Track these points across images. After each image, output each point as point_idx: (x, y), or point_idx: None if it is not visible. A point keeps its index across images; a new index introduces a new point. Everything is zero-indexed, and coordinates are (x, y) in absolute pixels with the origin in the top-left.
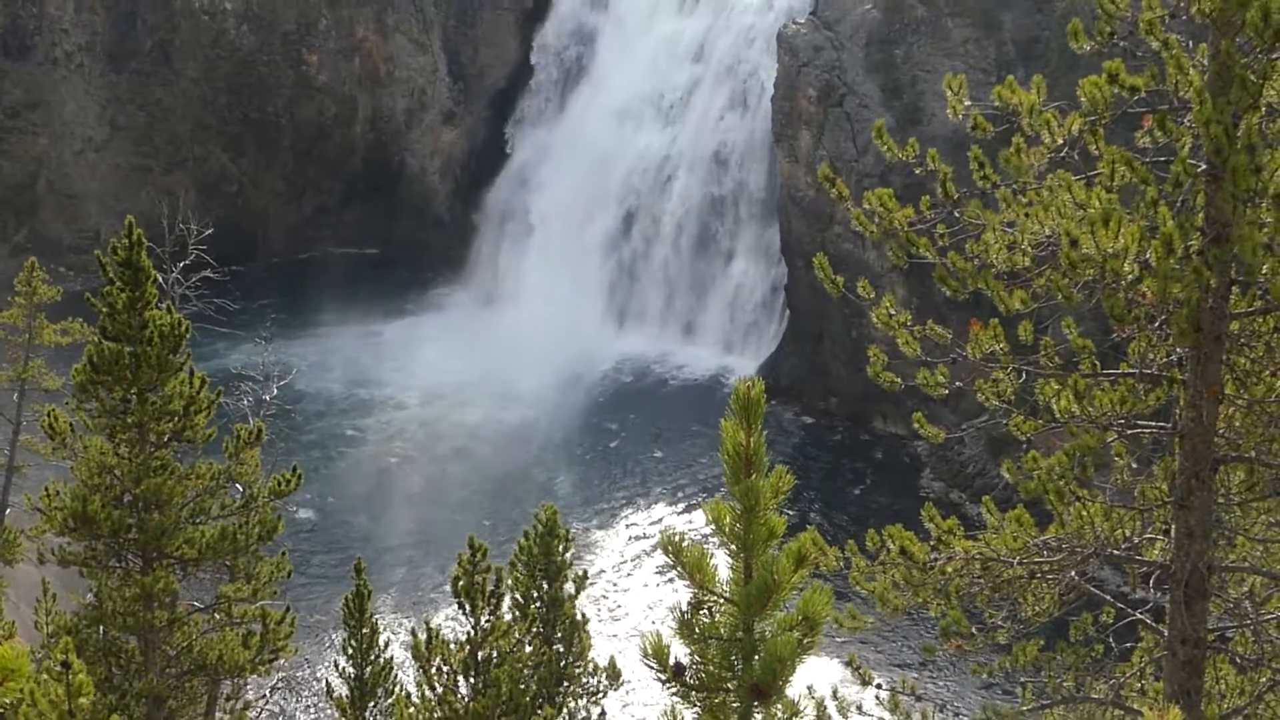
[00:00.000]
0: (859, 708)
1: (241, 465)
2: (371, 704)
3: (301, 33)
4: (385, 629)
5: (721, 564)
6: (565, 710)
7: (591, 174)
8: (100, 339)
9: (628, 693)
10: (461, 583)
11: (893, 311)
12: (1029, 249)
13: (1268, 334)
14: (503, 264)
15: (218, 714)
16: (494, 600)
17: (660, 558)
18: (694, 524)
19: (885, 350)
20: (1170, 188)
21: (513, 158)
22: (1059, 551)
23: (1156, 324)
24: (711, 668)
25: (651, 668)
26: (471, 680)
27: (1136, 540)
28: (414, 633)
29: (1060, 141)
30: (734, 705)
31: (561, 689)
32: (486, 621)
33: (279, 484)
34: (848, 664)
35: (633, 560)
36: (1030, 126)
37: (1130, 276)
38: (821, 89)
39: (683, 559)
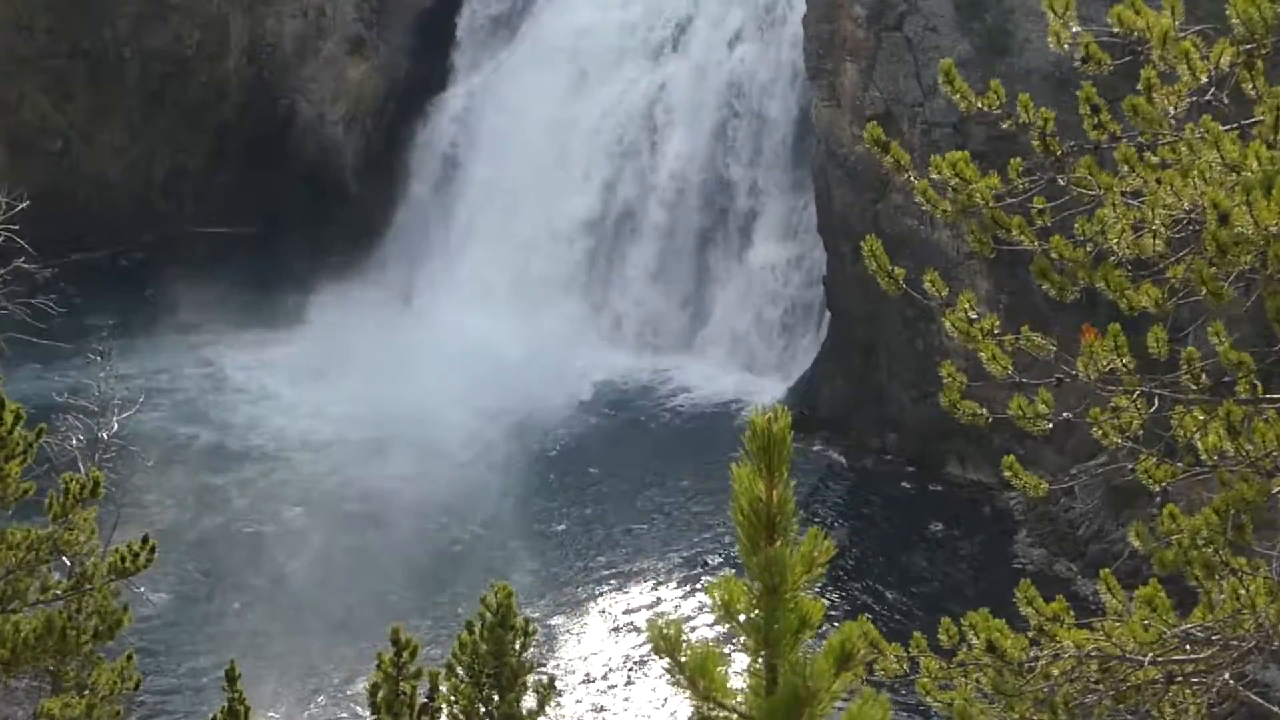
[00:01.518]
0: None
1: (71, 531)
2: None
3: None
4: None
5: (735, 665)
6: None
7: (556, 129)
8: None
9: None
10: (382, 693)
11: (973, 315)
12: (1161, 228)
13: None
14: (432, 251)
15: None
16: (426, 717)
17: (651, 657)
18: (698, 610)
19: (963, 368)
20: None
21: (446, 104)
22: (1208, 646)
23: None
24: None
25: None
26: None
27: None
28: None
29: (1204, 79)
30: None
31: None
32: None
33: (123, 558)
34: None
35: (615, 661)
36: (1163, 59)
37: None
38: (873, 6)
39: (680, 659)
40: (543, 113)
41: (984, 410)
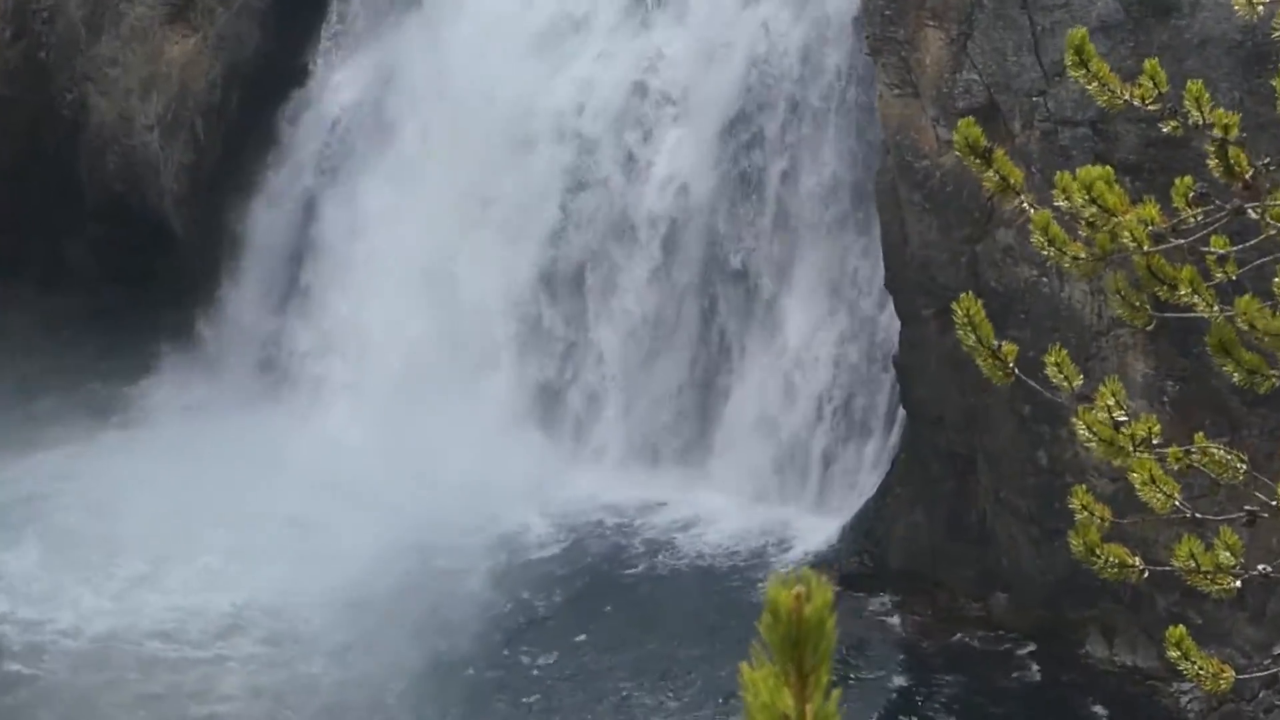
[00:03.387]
0: None
1: None
2: None
3: None
4: None
5: None
6: None
7: (489, 135)
8: None
9: None
10: None
11: (1121, 415)
12: None
13: None
14: (298, 320)
15: None
16: None
17: None
18: None
19: (1109, 494)
20: None
21: (321, 97)
22: None
23: None
24: None
25: None
26: None
27: None
28: None
29: None
30: None
31: None
32: None
33: None
34: None
35: None
36: None
37: None
38: None
39: None
40: (469, 111)
41: (1137, 560)
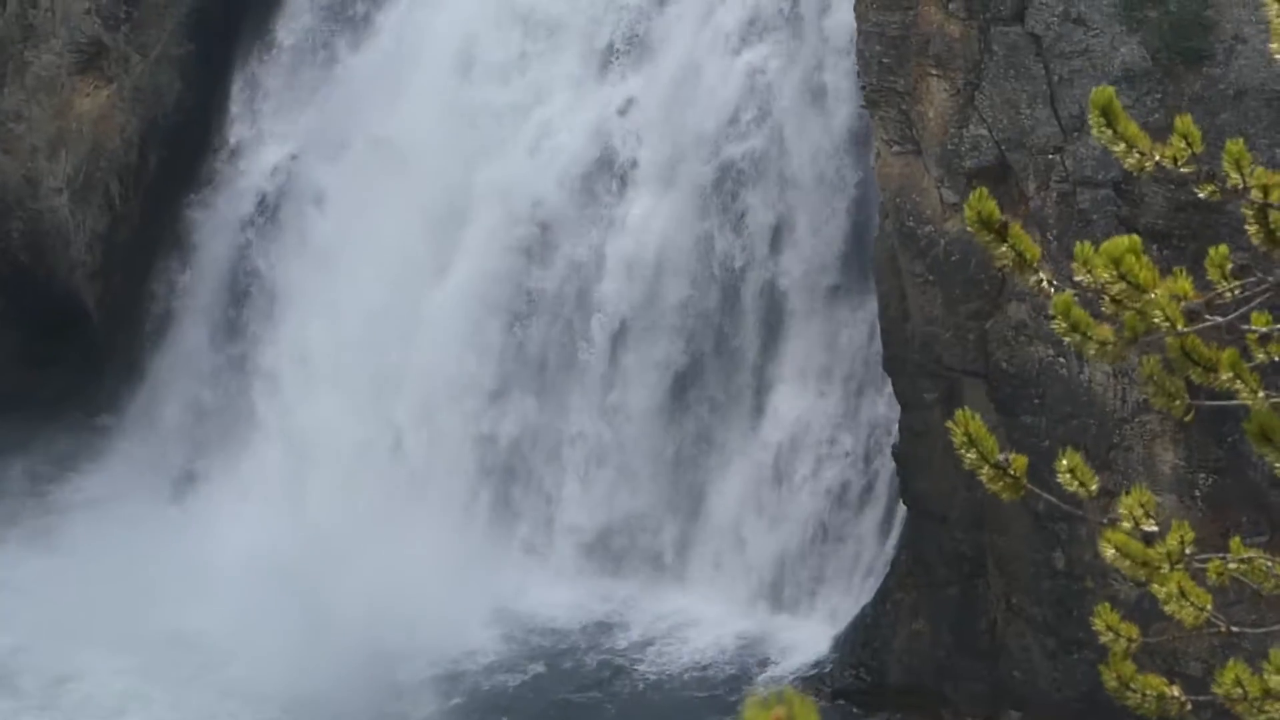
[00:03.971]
0: None
1: None
2: None
3: None
4: None
5: None
6: None
7: (434, 201)
8: None
9: None
10: None
11: (1150, 526)
12: None
13: None
14: (223, 410)
15: None
16: None
17: None
18: None
19: (1129, 601)
20: None
21: (251, 156)
22: None
23: None
24: None
25: None
26: None
27: None
28: None
29: None
30: None
31: None
32: None
33: None
34: None
35: None
36: None
37: None
38: None
39: None
40: (412, 174)
41: (1176, 690)
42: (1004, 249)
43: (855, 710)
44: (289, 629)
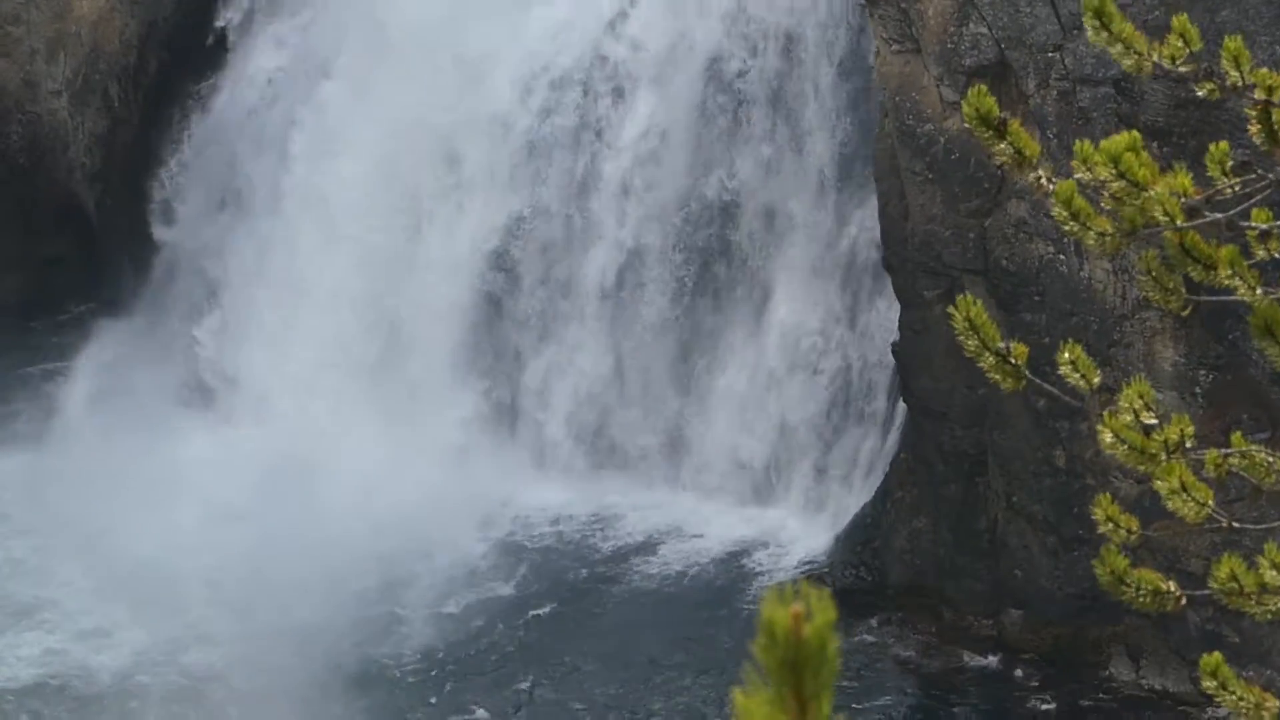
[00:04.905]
0: None
1: None
2: None
3: None
4: None
5: None
6: None
7: (430, 101)
8: None
9: None
10: None
11: (1150, 419)
12: None
13: None
14: (226, 311)
15: None
16: None
17: None
18: None
19: (1130, 498)
20: None
21: (248, 58)
22: None
23: None
24: None
25: None
26: None
27: None
28: None
29: None
30: None
31: None
32: None
33: None
34: None
35: None
36: None
37: None
38: None
39: None
40: (408, 75)
41: (1172, 585)
42: (1002, 146)
43: (853, 615)
44: (279, 547)
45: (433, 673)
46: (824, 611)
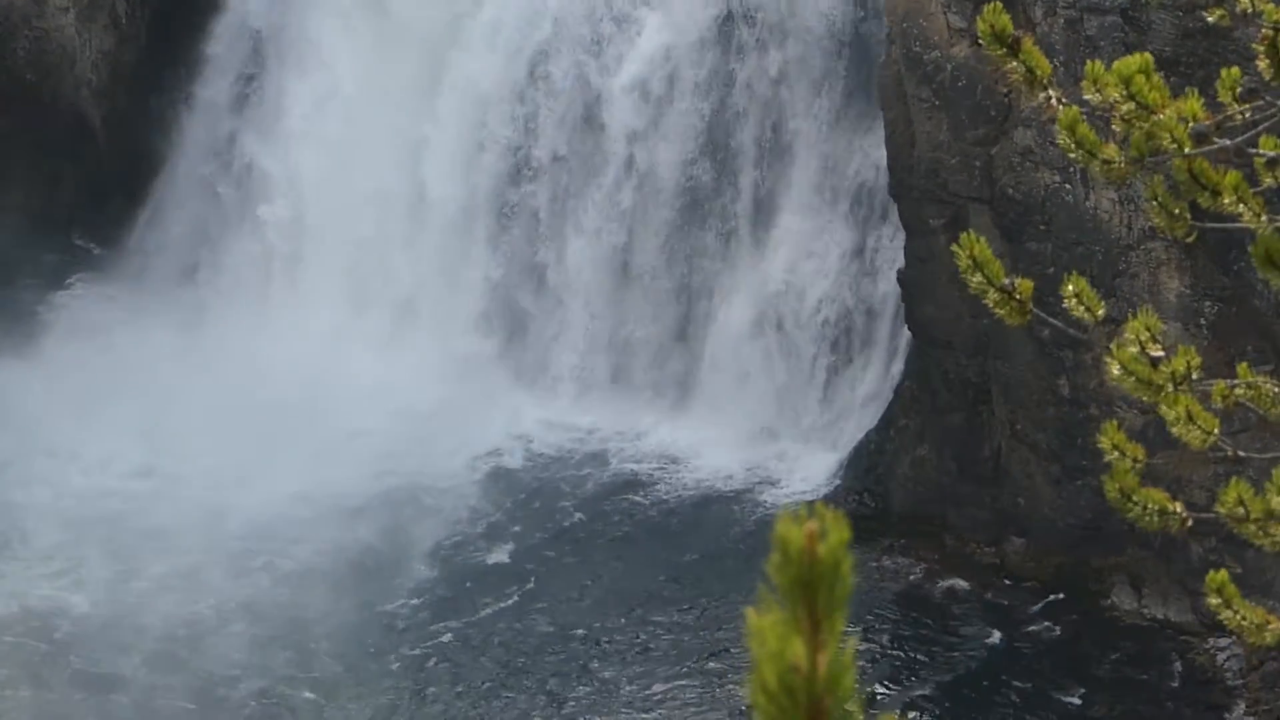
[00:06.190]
0: None
1: None
2: None
3: None
4: None
5: None
6: None
7: (434, 17)
8: None
9: None
10: None
11: (1156, 351)
12: None
13: None
14: (230, 232)
15: None
16: None
17: None
18: None
19: (1141, 428)
20: None
21: None
22: None
23: None
24: None
25: None
26: None
27: None
28: None
29: None
30: None
31: None
32: None
33: None
34: None
35: None
36: None
37: None
38: None
39: None
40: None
41: (1179, 506)
42: (1015, 64)
43: (858, 542)
44: (287, 468)
45: (429, 599)
46: (838, 531)
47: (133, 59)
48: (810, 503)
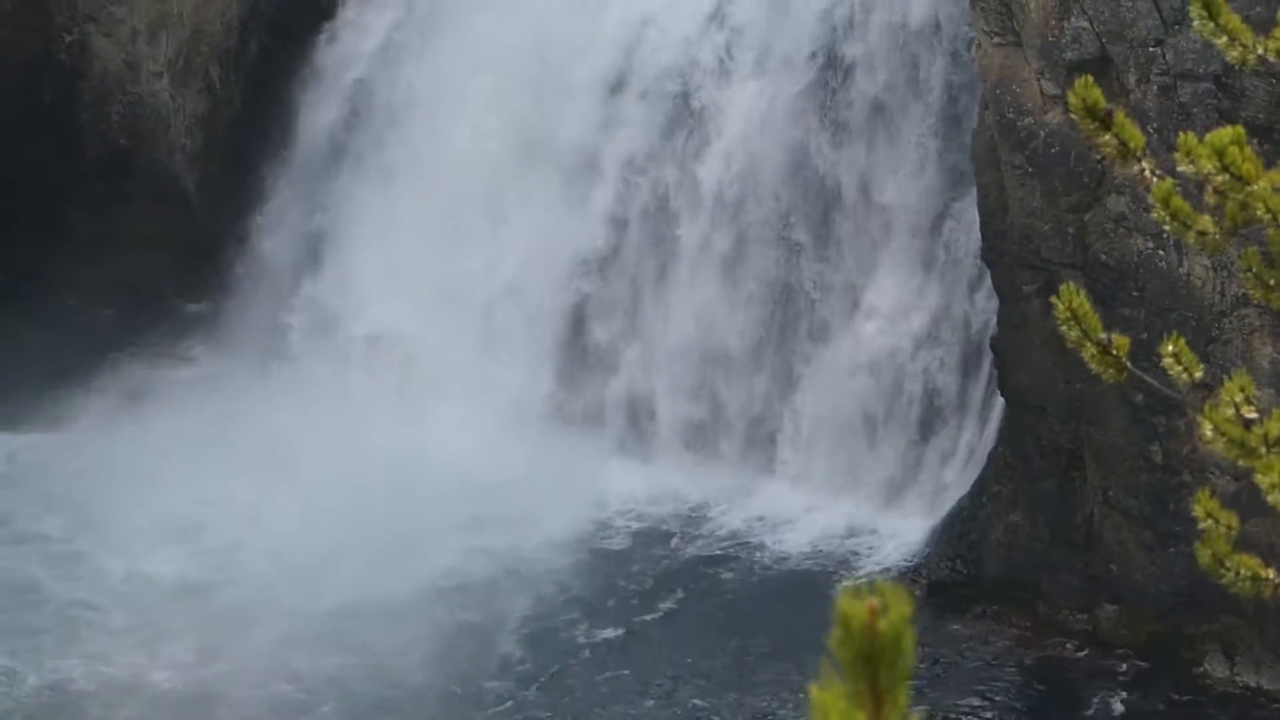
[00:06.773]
0: None
1: None
2: None
3: None
4: None
5: None
6: None
7: (531, 89)
8: None
9: None
10: None
11: (1251, 413)
12: None
13: None
14: (319, 295)
15: None
16: None
17: None
18: None
19: (1234, 493)
20: None
21: (349, 40)
22: None
23: None
24: None
25: None
26: None
27: None
28: None
29: None
30: None
31: None
32: None
33: None
34: None
35: None
36: None
37: None
38: None
39: None
40: (511, 61)
41: (1271, 573)
42: (1108, 137)
43: (950, 604)
44: (369, 537)
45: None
46: (899, 606)
47: (226, 123)
48: (874, 577)
